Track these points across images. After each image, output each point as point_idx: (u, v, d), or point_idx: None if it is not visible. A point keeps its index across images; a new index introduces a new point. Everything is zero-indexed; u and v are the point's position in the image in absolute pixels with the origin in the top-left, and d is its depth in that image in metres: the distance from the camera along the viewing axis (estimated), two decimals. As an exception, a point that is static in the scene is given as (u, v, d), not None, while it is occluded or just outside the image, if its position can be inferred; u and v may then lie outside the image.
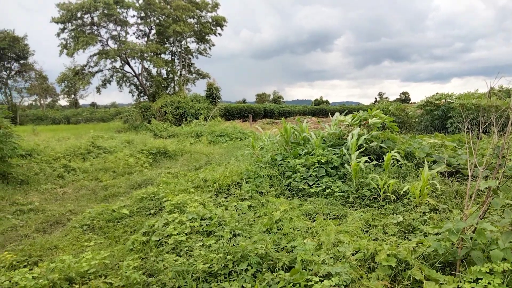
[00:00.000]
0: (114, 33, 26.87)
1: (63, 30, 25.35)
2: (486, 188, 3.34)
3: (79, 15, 24.71)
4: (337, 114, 9.70)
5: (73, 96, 55.49)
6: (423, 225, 4.53)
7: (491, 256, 2.98)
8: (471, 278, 2.92)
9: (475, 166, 3.69)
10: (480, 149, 7.27)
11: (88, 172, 9.92)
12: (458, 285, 2.97)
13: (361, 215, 5.04)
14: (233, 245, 3.97)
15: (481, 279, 2.86)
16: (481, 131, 3.84)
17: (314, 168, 6.99)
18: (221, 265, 3.56)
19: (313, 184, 6.68)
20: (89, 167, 10.29)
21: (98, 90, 28.83)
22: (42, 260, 4.29)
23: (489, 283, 2.79)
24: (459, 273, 3.20)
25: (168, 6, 27.63)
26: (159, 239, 4.48)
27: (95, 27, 25.91)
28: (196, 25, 30.10)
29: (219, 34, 31.53)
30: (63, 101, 59.10)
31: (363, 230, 4.59)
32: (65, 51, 25.47)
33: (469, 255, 3.20)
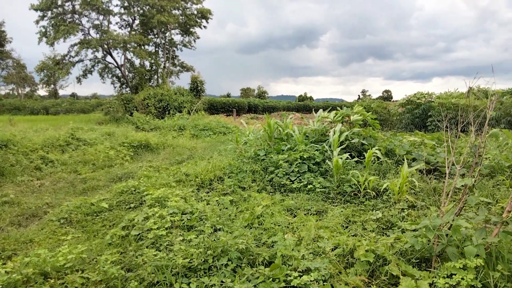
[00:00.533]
0: (97, 22, 26.25)
1: (42, 17, 24.58)
2: (462, 185, 3.43)
3: (59, 2, 24.01)
4: (320, 110, 9.77)
5: (52, 86, 54.04)
6: (401, 221, 4.61)
7: (465, 252, 3.06)
8: (446, 274, 3.00)
9: (453, 164, 3.78)
10: (458, 147, 7.45)
11: (67, 165, 9.69)
12: (433, 281, 3.05)
13: (342, 211, 5.10)
14: (214, 240, 3.95)
15: (455, 274, 2.93)
16: (459, 130, 3.92)
17: (297, 163, 7.02)
18: (201, 260, 3.54)
19: (295, 179, 6.72)
20: (67, 159, 10.05)
21: (79, 81, 28.17)
22: (16, 254, 4.17)
23: (462, 278, 2.87)
24: (434, 269, 3.28)
25: (153, -4, 27.13)
26: (139, 234, 4.43)
27: (76, 16, 25.22)
28: (181, 17, 29.67)
29: (204, 26, 31.19)
30: (42, 91, 57.58)
31: (343, 226, 4.64)
32: (44, 39, 24.71)
33: (444, 251, 3.28)
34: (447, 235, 3.31)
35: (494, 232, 3.21)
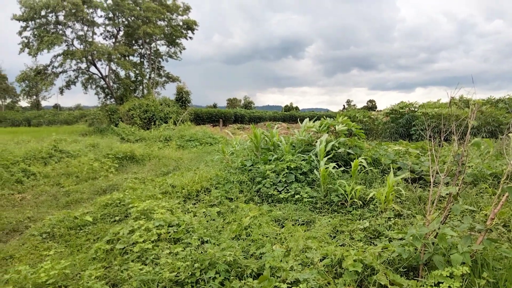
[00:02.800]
0: (81, 33, 26.06)
1: (25, 28, 24.24)
2: (447, 194, 3.48)
3: (43, 13, 23.73)
4: (306, 120, 9.83)
5: (34, 97, 53.03)
6: (388, 230, 4.64)
7: (451, 260, 3.09)
8: (433, 282, 3.01)
9: (437, 173, 3.84)
10: (441, 156, 7.59)
11: (50, 177, 9.47)
12: (421, 289, 3.06)
13: (329, 221, 5.10)
14: (201, 252, 3.90)
15: (442, 283, 2.95)
16: (442, 139, 4.00)
17: (284, 174, 7.03)
18: (188, 273, 3.48)
19: (283, 189, 6.71)
20: (50, 172, 9.82)
21: (62, 91, 27.78)
22: (-5, 271, 4.03)
23: (449, 286, 2.89)
24: (422, 277, 3.30)
25: (138, 8, 27.12)
26: (124, 247, 4.33)
27: (60, 26, 24.96)
28: (166, 28, 29.73)
29: (190, 37, 31.34)
30: (23, 102, 56.46)
31: (330, 236, 4.64)
32: (26, 49, 24.36)
33: (431, 260, 3.30)
34: (433, 243, 3.34)
35: (479, 239, 3.26)
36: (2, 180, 8.60)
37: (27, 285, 3.37)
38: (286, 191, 6.64)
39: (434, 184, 3.89)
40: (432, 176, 3.85)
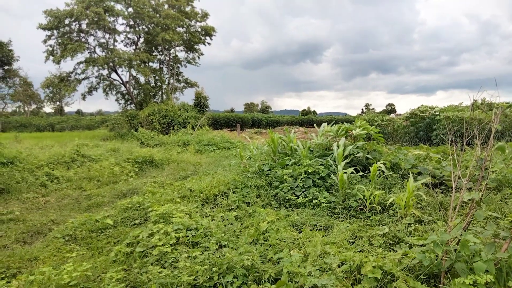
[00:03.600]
0: (102, 40, 26.73)
1: (49, 37, 25.07)
2: (469, 200, 3.40)
3: (67, 22, 24.50)
4: (324, 124, 9.78)
5: (58, 103, 54.73)
6: (408, 236, 4.55)
7: (475, 268, 3.01)
8: (455, 290, 2.94)
9: (459, 178, 3.75)
10: (463, 161, 7.40)
11: (72, 181, 9.73)
12: (442, 297, 2.99)
13: (347, 226, 5.05)
14: (219, 256, 3.92)
15: (465, 291, 2.88)
16: (464, 143, 3.91)
17: (301, 178, 7.00)
18: (207, 277, 3.51)
19: (300, 194, 6.68)
20: (73, 176, 10.09)
21: (84, 97, 28.51)
22: (21, 272, 4.16)
23: (472, 295, 2.81)
24: (443, 285, 3.22)
25: (158, 15, 27.66)
26: (144, 250, 4.40)
27: (82, 34, 25.71)
28: (185, 34, 30.18)
29: (208, 43, 31.67)
30: (47, 108, 58.26)
31: (349, 242, 4.59)
32: (51, 57, 25.14)
33: (453, 267, 3.22)
34: (455, 250, 3.26)
35: (504, 247, 3.16)
36: (28, 184, 8.88)
37: (51, 286, 3.46)
38: (303, 196, 6.61)
39: (456, 190, 3.80)
40: (454, 181, 3.77)
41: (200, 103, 28.06)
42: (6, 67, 41.33)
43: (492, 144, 3.51)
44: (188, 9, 29.61)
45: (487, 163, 3.51)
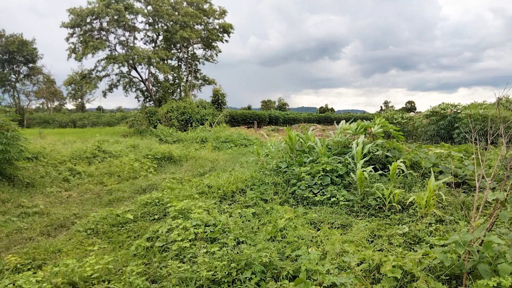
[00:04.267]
0: (122, 38, 27.19)
1: (72, 35, 25.67)
2: (493, 200, 3.31)
3: (88, 20, 25.03)
4: (342, 122, 9.69)
5: (79, 100, 55.95)
6: (429, 236, 4.47)
7: (499, 270, 2.93)
8: (478, 292, 2.88)
9: (483, 177, 3.66)
10: (487, 160, 7.20)
11: (93, 176, 9.97)
12: (464, 299, 2.93)
13: (366, 225, 4.99)
14: (237, 252, 3.95)
15: (489, 293, 2.81)
16: (489, 142, 3.81)
17: (319, 176, 6.96)
18: (225, 272, 3.54)
19: (318, 192, 6.65)
20: (94, 171, 10.33)
21: (105, 94, 29.14)
22: (46, 264, 4.30)
23: (496, 297, 2.75)
24: (465, 286, 3.15)
25: (176, 13, 27.91)
26: (163, 245, 4.48)
27: (103, 32, 26.21)
28: (203, 32, 30.36)
29: (226, 41, 31.78)
30: (69, 105, 59.62)
31: (368, 240, 4.54)
32: (73, 55, 25.75)
33: (475, 268, 3.15)
34: (478, 251, 3.19)
35: (530, 249, 3.07)
36: (51, 179, 9.15)
37: (74, 278, 3.57)
38: (321, 193, 6.58)
39: (479, 189, 3.71)
40: (478, 180, 3.68)
41: (218, 100, 28.21)
42: (30, 65, 42.55)
43: (518, 143, 3.41)
44: (206, 6, 29.75)
45: (512, 162, 3.41)
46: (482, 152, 4.14)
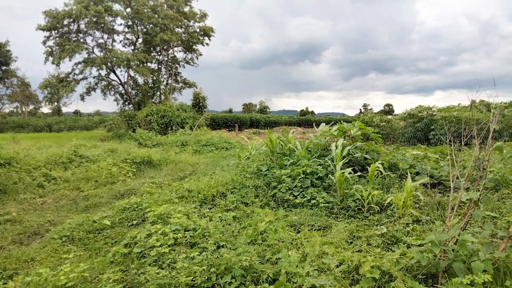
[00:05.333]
0: (101, 41, 26.65)
1: (48, 37, 25.00)
2: (467, 199, 3.39)
3: (65, 22, 24.43)
4: (322, 124, 9.78)
5: (56, 103, 54.54)
6: (406, 236, 4.55)
7: (472, 268, 3.01)
8: (453, 290, 2.94)
9: (457, 178, 3.75)
10: (461, 161, 7.41)
11: (69, 182, 9.69)
12: (440, 297, 2.98)
13: (346, 226, 5.04)
14: (217, 257, 3.91)
15: (463, 291, 2.87)
16: (462, 143, 3.91)
17: (300, 178, 6.99)
18: (204, 277, 3.49)
19: (298, 194, 6.68)
20: (70, 177, 10.05)
21: (82, 98, 28.42)
22: (17, 274, 4.14)
23: (470, 295, 2.81)
24: (441, 285, 3.22)
25: (156, 15, 27.62)
26: (141, 251, 4.38)
27: (81, 35, 25.64)
28: (183, 35, 30.16)
29: (207, 44, 31.67)
30: (45, 109, 58.10)
31: (347, 242, 4.59)
32: (50, 58, 25.08)
33: (451, 267, 3.22)
34: (453, 250, 3.26)
35: (501, 246, 3.16)
36: (25, 185, 8.85)
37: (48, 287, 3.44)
38: (302, 196, 6.61)
39: (454, 190, 3.80)
40: (452, 181, 3.77)
41: (199, 104, 28.03)
42: (3, 68, 41.22)
43: (490, 144, 3.51)
44: (186, 9, 29.59)
45: (485, 163, 3.51)
46: (456, 153, 4.25)
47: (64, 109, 57.51)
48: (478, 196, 3.34)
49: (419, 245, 3.90)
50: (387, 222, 5.25)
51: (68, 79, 26.54)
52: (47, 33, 24.76)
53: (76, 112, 59.37)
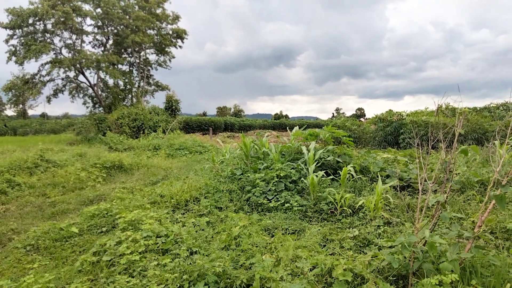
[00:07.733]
0: (69, 41, 25.83)
1: (12, 36, 23.96)
2: (435, 202, 3.50)
3: (30, 21, 23.49)
4: (296, 128, 9.86)
5: (21, 106, 52.18)
6: (377, 238, 4.64)
7: (441, 268, 3.09)
8: (423, 291, 3.01)
9: (425, 180, 3.86)
10: (429, 164, 7.66)
11: (35, 188, 9.27)
12: (411, 298, 3.05)
13: (319, 230, 5.08)
14: (190, 263, 3.84)
15: (432, 291, 2.95)
16: (430, 146, 4.03)
17: (273, 182, 7.00)
18: (177, 285, 3.42)
19: (272, 198, 6.68)
20: (36, 182, 9.62)
21: (49, 100, 27.41)
22: (-24, 286, 3.90)
23: (439, 295, 2.89)
24: (411, 286, 3.29)
25: (127, 16, 27.07)
26: (111, 259, 4.24)
27: (48, 35, 24.71)
28: (156, 37, 29.72)
29: (180, 46, 31.39)
30: (9, 111, 55.49)
31: (320, 245, 4.62)
32: (13, 58, 24.02)
33: (420, 268, 3.30)
34: (422, 251, 3.35)
35: (467, 247, 3.28)
36: (-14, 191, 8.39)
37: (9, 300, 3.27)
38: (276, 199, 6.62)
39: (422, 192, 3.91)
40: (421, 183, 3.87)
41: (172, 107, 27.64)
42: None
43: (456, 148, 3.64)
44: (159, 11, 29.20)
45: (451, 165, 3.64)
46: (424, 157, 4.38)
47: (30, 112, 55.07)
48: (445, 198, 3.45)
49: (390, 247, 3.99)
50: (359, 224, 5.34)
51: (34, 80, 25.52)
52: (10, 32, 23.74)
53: (43, 115, 56.99)
